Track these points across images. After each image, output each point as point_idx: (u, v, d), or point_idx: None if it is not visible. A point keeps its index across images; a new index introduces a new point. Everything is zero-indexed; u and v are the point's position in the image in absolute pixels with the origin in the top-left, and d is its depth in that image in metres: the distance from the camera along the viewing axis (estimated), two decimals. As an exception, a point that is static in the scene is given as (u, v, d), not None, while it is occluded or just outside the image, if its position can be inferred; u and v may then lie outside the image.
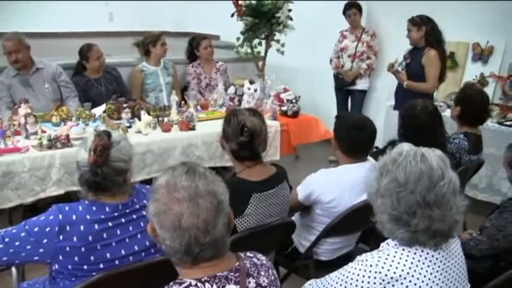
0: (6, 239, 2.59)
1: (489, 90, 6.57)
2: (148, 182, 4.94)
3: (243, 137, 3.16)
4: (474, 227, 3.63)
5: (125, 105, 5.32)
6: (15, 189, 4.29)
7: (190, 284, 1.83)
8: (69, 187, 4.53)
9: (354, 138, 3.59)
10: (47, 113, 5.24)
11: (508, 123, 6.15)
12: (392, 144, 4.18)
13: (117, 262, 2.61)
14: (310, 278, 3.38)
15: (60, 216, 2.52)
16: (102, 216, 2.59)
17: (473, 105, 4.63)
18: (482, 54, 6.98)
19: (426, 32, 5.98)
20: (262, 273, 2.00)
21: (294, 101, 6.25)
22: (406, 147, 2.21)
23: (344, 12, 7.59)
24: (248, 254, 2.05)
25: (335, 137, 3.71)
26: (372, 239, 3.98)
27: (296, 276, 3.75)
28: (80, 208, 2.59)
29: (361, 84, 7.72)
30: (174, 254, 1.88)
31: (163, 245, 1.90)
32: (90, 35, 9.20)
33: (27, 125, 4.72)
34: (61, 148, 4.45)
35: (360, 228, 3.76)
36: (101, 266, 2.58)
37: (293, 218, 3.72)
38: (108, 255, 2.59)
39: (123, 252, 2.64)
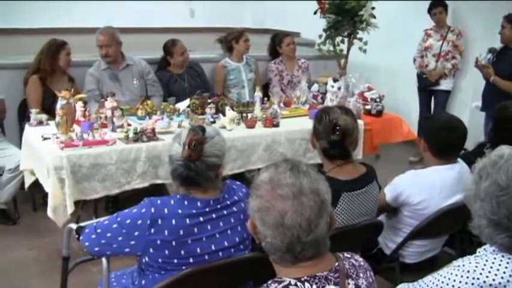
0: (99, 230, 2.65)
1: None
2: (232, 178, 4.97)
3: (335, 135, 3.13)
4: None
5: (209, 100, 5.35)
6: (102, 181, 4.36)
7: (290, 283, 1.80)
8: (153, 180, 4.58)
9: (444, 139, 3.51)
10: (133, 106, 5.32)
11: None
12: (481, 146, 4.10)
13: (206, 257, 2.62)
14: (395, 280, 3.35)
15: (152, 210, 2.54)
16: (194, 211, 2.59)
17: None
18: None
19: None
20: (361, 274, 1.97)
21: (378, 100, 6.17)
22: (507, 150, 2.14)
23: (429, 11, 7.44)
24: (346, 254, 2.02)
25: (424, 138, 3.64)
26: (457, 243, 3.91)
27: (380, 278, 3.70)
28: (172, 202, 2.60)
29: (445, 84, 7.56)
30: (275, 251, 1.85)
31: (263, 242, 1.87)
32: (172, 30, 9.37)
33: (114, 118, 4.79)
34: (147, 141, 4.50)
35: (448, 231, 3.69)
36: (191, 260, 2.59)
37: (379, 218, 3.68)
38: (198, 250, 2.60)
39: (213, 247, 2.64)
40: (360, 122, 5.61)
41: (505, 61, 5.90)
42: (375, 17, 7.28)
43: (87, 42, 6.26)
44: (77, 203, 4.31)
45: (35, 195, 5.45)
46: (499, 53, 6.05)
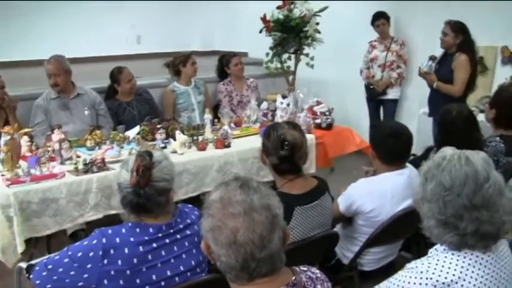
0: (50, 266, 2.61)
1: (520, 92, 6.51)
2: (187, 201, 4.95)
3: (284, 151, 3.16)
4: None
5: (159, 125, 5.31)
6: (53, 216, 4.22)
7: None
8: (106, 211, 4.48)
9: (391, 146, 3.58)
10: (81, 138, 5.22)
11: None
12: (429, 150, 4.16)
13: (163, 283, 2.60)
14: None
15: (104, 240, 2.51)
16: (146, 238, 2.57)
17: (508, 107, 4.59)
18: (511, 57, 6.91)
19: (462, 41, 5.96)
20: (319, 286, 1.97)
21: (327, 113, 6.24)
22: (449, 151, 2.19)
23: (372, 23, 7.58)
24: (302, 268, 2.03)
25: (373, 147, 3.70)
26: (414, 247, 3.96)
27: (340, 288, 3.73)
28: (123, 231, 2.57)
29: (392, 94, 7.68)
30: (230, 270, 1.84)
31: (218, 262, 1.86)
32: (119, 58, 9.33)
33: (62, 151, 4.68)
34: (97, 172, 4.41)
35: (403, 236, 3.74)
36: None
37: (335, 229, 3.71)
38: (154, 277, 2.57)
39: (168, 273, 2.62)
40: (311, 136, 5.68)
41: (446, 66, 6.03)
42: (319, 32, 7.35)
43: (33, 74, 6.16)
44: (28, 241, 4.20)
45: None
46: (440, 60, 6.18)
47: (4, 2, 10.00)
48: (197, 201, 5.56)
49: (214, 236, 1.82)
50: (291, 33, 7.28)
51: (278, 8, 7.32)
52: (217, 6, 11.63)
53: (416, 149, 4.55)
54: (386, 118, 7.71)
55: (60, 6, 10.43)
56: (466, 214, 2.05)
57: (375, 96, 7.71)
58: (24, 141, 4.69)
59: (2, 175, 4.25)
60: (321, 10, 7.28)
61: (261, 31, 7.42)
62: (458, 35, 5.97)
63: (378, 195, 3.49)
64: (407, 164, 3.67)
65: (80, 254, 2.53)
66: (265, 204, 1.83)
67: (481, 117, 5.31)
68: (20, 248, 4.02)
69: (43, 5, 10.31)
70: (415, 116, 7.48)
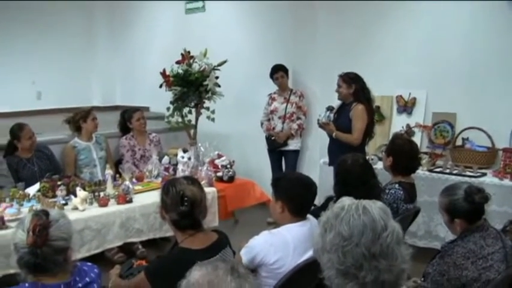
0: None
1: (417, 139, 6.73)
2: (88, 259, 4.86)
3: (184, 206, 3.15)
4: (418, 274, 3.65)
5: (59, 182, 5.26)
6: None
7: None
8: (5, 270, 4.36)
9: (301, 197, 3.62)
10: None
11: (437, 170, 6.28)
12: (329, 200, 4.24)
13: None
14: None
15: None
16: None
17: (403, 154, 4.74)
18: (406, 106, 7.13)
19: (356, 90, 6.09)
20: None
21: (228, 166, 6.28)
22: (347, 201, 2.22)
23: (271, 76, 7.67)
24: None
25: (281, 198, 3.68)
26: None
27: None
28: None
29: (293, 145, 7.76)
30: None
31: None
32: (19, 114, 9.15)
33: None
34: (-4, 231, 4.32)
35: (307, 287, 3.75)
36: None
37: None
38: None
39: None
40: (213, 189, 5.70)
41: (344, 116, 6.14)
42: (219, 86, 7.43)
43: None
44: None
45: None
46: (338, 109, 6.31)
47: None
48: (101, 258, 5.50)
49: None
50: (191, 88, 7.34)
51: (177, 62, 7.38)
52: (117, 61, 11.65)
53: (319, 199, 4.62)
54: (288, 169, 7.79)
55: None
56: (365, 263, 2.07)
57: (276, 148, 7.78)
58: None
59: None
60: (220, 64, 7.38)
61: (161, 86, 7.46)
62: (351, 85, 6.10)
63: (280, 246, 3.50)
64: (308, 215, 3.71)
65: None
66: None
67: (380, 165, 5.46)
68: None
69: None
70: (316, 166, 7.57)
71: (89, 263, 2.90)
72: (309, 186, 3.67)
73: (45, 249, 2.52)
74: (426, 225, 6.20)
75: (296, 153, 7.84)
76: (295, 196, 3.63)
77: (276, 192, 3.72)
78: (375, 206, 2.16)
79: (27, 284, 2.56)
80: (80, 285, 2.65)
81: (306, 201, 3.66)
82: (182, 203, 3.15)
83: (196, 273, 1.83)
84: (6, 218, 4.48)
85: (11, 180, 5.96)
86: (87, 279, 2.71)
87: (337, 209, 2.20)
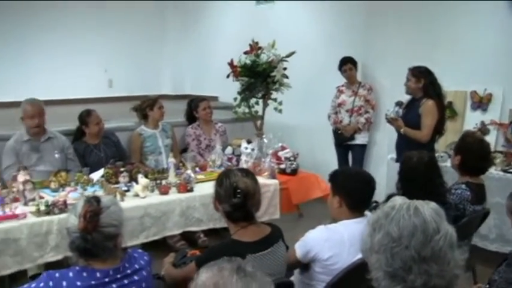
0: None
1: (491, 138, 6.51)
2: (147, 245, 4.89)
3: (236, 198, 3.14)
4: (486, 279, 3.53)
5: (122, 169, 5.31)
6: (14, 256, 4.27)
7: None
8: (67, 252, 4.43)
9: (359, 192, 3.57)
10: (46, 179, 5.25)
11: (512, 170, 6.05)
12: (391, 197, 4.14)
13: None
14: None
15: (51, 283, 2.50)
16: (93, 282, 2.56)
17: (472, 153, 4.57)
18: (481, 102, 6.91)
19: (425, 85, 5.95)
20: None
21: (292, 158, 6.23)
22: (399, 200, 2.15)
23: (339, 68, 7.62)
24: None
25: (339, 193, 3.63)
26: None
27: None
28: (71, 274, 2.56)
29: (360, 139, 7.69)
30: None
31: None
32: (90, 101, 9.32)
33: (26, 192, 4.72)
34: (58, 214, 4.44)
35: (361, 286, 3.67)
36: None
37: (293, 276, 3.65)
38: None
39: None
40: (275, 181, 5.65)
41: (413, 111, 6.00)
42: (287, 77, 7.38)
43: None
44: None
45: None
46: (407, 105, 6.18)
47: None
48: (164, 245, 5.54)
49: None
50: (258, 78, 7.31)
51: (245, 53, 7.36)
52: (187, 50, 11.75)
53: (382, 196, 4.53)
54: (355, 163, 7.70)
55: (35, 49, 10.83)
56: (414, 266, 2.00)
57: (343, 142, 7.71)
58: None
59: None
60: (288, 55, 7.32)
61: (228, 76, 7.46)
62: (420, 79, 5.96)
63: (336, 242, 3.44)
64: (367, 212, 3.63)
65: None
66: None
67: (450, 163, 5.29)
68: None
69: (17, 47, 10.62)
70: (384, 162, 7.45)
71: (140, 250, 2.94)
72: (367, 182, 3.60)
73: (95, 235, 2.56)
74: (498, 229, 5.96)
75: (363, 147, 7.75)
76: (353, 191, 3.57)
77: (334, 187, 3.66)
78: (428, 207, 2.08)
79: (77, 268, 2.61)
80: (129, 271, 2.69)
81: (364, 197, 3.59)
82: (235, 195, 3.14)
83: (203, 275, 1.79)
84: (68, 202, 4.55)
85: (77, 164, 6.08)
86: (137, 266, 2.75)
87: (387, 208, 2.13)
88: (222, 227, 5.44)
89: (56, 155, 5.93)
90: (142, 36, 11.93)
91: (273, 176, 5.76)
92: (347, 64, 7.57)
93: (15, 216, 4.34)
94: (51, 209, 4.47)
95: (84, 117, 6.36)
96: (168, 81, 12.36)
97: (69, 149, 6.14)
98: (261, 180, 5.32)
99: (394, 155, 6.60)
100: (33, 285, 2.54)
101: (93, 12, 11.26)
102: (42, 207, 4.47)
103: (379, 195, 3.76)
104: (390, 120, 6.18)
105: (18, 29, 10.75)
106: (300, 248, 3.52)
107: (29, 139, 5.85)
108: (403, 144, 6.09)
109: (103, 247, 2.59)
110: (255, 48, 7.35)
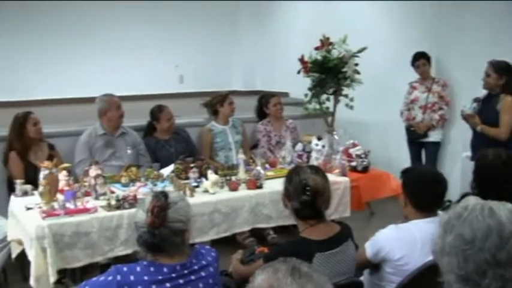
0: None
1: None
2: (216, 242, 4.91)
3: (305, 196, 3.10)
4: None
5: (192, 164, 5.33)
6: (84, 249, 4.36)
7: None
8: (136, 247, 4.50)
9: (424, 192, 3.47)
10: (117, 174, 5.33)
11: None
12: (465, 197, 4.01)
13: None
14: None
15: (119, 277, 2.54)
16: (160, 277, 2.58)
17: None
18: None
19: (506, 82, 5.79)
20: None
21: (363, 156, 6.14)
22: (472, 200, 2.07)
23: (412, 63, 7.46)
24: None
25: (405, 192, 3.58)
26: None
27: None
28: (138, 269, 2.60)
29: (434, 136, 7.52)
30: None
31: None
32: (162, 96, 9.45)
33: (97, 186, 4.81)
34: (129, 208, 4.50)
35: (435, 287, 3.58)
36: None
37: (362, 277, 3.59)
38: None
39: None
40: (346, 179, 5.59)
41: (490, 108, 5.84)
42: (359, 73, 7.29)
43: (68, 112, 6.29)
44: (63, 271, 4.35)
45: (25, 265, 5.34)
46: (484, 101, 6.01)
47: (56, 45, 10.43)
48: (233, 241, 5.54)
49: None
50: (329, 74, 7.24)
51: (316, 48, 7.30)
52: (259, 46, 11.77)
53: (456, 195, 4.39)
54: (428, 161, 7.55)
55: (108, 46, 11.22)
56: (489, 271, 1.91)
57: (416, 139, 7.57)
58: (63, 175, 4.84)
59: (39, 207, 4.44)
60: (360, 51, 7.22)
61: (299, 72, 7.40)
62: (502, 76, 5.79)
63: (407, 242, 3.37)
64: (439, 212, 3.53)
65: None
66: None
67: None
68: (52, 278, 4.17)
69: (92, 45, 11.00)
70: (459, 160, 7.30)
71: (207, 246, 2.97)
72: (434, 181, 3.49)
73: (162, 230, 2.59)
74: None
75: (436, 145, 7.59)
76: (416, 191, 3.50)
77: (402, 185, 3.60)
78: (504, 208, 1.99)
79: (145, 262, 2.65)
80: (196, 267, 2.71)
81: (429, 197, 3.48)
82: (304, 192, 3.11)
83: (259, 278, 1.74)
84: (138, 197, 4.60)
85: (148, 160, 6.16)
86: (204, 262, 2.76)
87: (460, 208, 2.05)
88: (292, 224, 5.42)
89: (129, 151, 6.05)
90: (213, 32, 12.05)
91: (343, 174, 5.70)
92: (420, 59, 7.41)
93: (86, 210, 4.43)
94: (121, 203, 4.54)
95: (156, 113, 6.45)
96: (239, 77, 12.44)
97: (140, 144, 6.25)
98: (332, 177, 5.28)
99: (469, 153, 6.43)
100: (101, 278, 2.58)
101: (165, 9, 11.43)
102: (113, 202, 4.54)
103: (453, 194, 3.64)
104: (466, 117, 6.03)
105: (92, 28, 11.05)
106: (370, 248, 3.47)
107: (104, 133, 5.99)
108: (479, 142, 5.93)
109: (170, 242, 2.62)
110: (326, 43, 7.28)
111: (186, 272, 2.66)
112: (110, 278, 2.55)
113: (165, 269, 2.61)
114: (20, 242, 4.74)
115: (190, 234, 2.75)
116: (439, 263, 2.07)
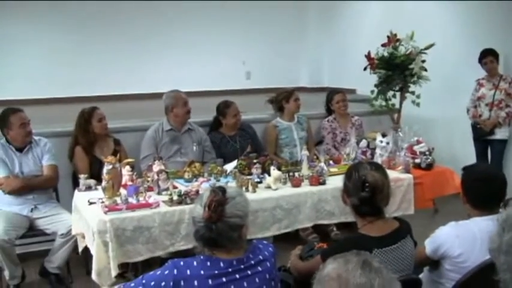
0: None
1: None
2: (278, 238, 4.94)
3: (364, 192, 3.11)
4: None
5: (255, 160, 5.36)
6: (146, 244, 4.41)
7: None
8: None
9: (479, 191, 3.45)
10: (180, 169, 5.39)
11: None
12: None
13: None
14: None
15: (175, 271, 2.56)
16: (216, 272, 2.59)
17: None
18: None
19: None
20: None
21: (427, 153, 6.09)
22: (533, 199, 2.07)
23: (480, 60, 7.36)
24: None
25: (462, 189, 3.58)
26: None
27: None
28: (195, 263, 2.61)
29: (500, 134, 7.40)
30: None
31: None
32: (229, 93, 9.52)
33: (160, 181, 4.86)
34: (190, 203, 4.48)
35: (494, 285, 3.55)
36: None
37: (422, 274, 3.59)
38: None
39: None
40: (410, 176, 5.55)
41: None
42: (426, 70, 7.23)
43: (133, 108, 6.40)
44: (125, 265, 4.42)
45: (88, 258, 5.48)
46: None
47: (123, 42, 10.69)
48: (295, 237, 5.56)
49: None
50: (395, 71, 7.21)
51: (383, 45, 7.27)
52: (326, 43, 11.74)
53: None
54: (493, 159, 7.44)
55: (176, 43, 11.44)
56: None
57: (482, 136, 7.46)
58: (126, 170, 4.92)
59: (102, 202, 4.48)
60: (427, 47, 7.16)
61: (365, 68, 7.39)
62: None
63: (466, 239, 3.34)
64: (500, 210, 3.50)
65: (152, 283, 2.57)
66: None
67: None
68: (114, 272, 4.23)
69: (160, 42, 11.20)
70: (526, 158, 7.19)
71: (265, 241, 2.95)
72: (489, 180, 3.46)
73: (220, 225, 2.60)
74: None
75: (503, 143, 7.46)
76: (471, 188, 3.49)
77: (461, 183, 3.60)
78: None
79: (202, 257, 2.66)
80: (252, 262, 2.71)
81: (484, 195, 3.44)
82: (363, 189, 3.11)
83: (330, 266, 1.77)
84: (201, 192, 4.63)
85: (213, 157, 6.21)
86: (261, 257, 2.75)
87: (519, 206, 2.05)
88: (354, 221, 5.41)
89: (194, 148, 6.12)
90: (281, 29, 12.09)
91: (407, 171, 5.65)
92: (488, 56, 7.30)
93: (148, 205, 4.48)
94: (183, 198, 4.57)
95: (223, 109, 6.49)
96: (305, 74, 12.44)
97: (206, 141, 6.30)
98: (395, 174, 5.28)
99: (537, 151, 6.33)
100: (158, 272, 2.61)
101: (232, 6, 11.47)
102: (175, 197, 4.58)
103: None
104: None
105: (159, 24, 11.23)
106: (429, 244, 3.45)
107: (171, 129, 6.07)
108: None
109: (227, 237, 2.62)
110: (393, 40, 7.26)
111: (242, 266, 2.66)
112: (166, 272, 2.57)
113: (221, 264, 2.61)
114: (84, 236, 4.83)
115: (247, 229, 2.75)
116: (496, 261, 2.08)
